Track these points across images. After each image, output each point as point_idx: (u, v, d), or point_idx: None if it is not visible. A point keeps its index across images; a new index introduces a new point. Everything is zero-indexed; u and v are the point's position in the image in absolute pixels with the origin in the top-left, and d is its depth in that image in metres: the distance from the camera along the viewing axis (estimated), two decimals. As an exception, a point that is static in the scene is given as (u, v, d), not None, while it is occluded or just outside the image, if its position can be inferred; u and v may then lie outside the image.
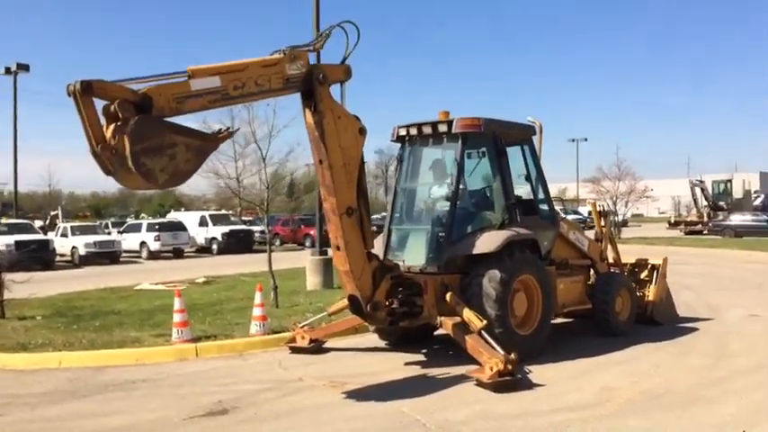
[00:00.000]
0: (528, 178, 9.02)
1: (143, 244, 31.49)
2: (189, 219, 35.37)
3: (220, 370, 8.30)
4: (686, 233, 41.75)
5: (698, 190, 45.08)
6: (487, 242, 8.04)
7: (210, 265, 25.26)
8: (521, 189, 9.01)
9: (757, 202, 47.33)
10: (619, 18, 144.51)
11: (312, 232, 36.67)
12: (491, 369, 6.92)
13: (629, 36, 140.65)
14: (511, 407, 6.41)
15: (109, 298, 15.58)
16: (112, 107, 5.52)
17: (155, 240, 31.00)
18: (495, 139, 8.55)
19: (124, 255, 30.84)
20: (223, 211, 39.70)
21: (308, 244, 37.61)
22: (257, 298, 10.04)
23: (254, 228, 37.40)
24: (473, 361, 7.47)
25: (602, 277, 9.91)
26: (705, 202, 45.40)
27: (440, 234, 8.38)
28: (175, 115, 5.92)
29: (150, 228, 31.91)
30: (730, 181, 47.47)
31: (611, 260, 10.49)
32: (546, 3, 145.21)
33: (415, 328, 8.66)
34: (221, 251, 33.33)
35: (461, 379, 7.36)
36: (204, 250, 34.35)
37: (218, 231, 34.03)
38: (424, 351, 8.97)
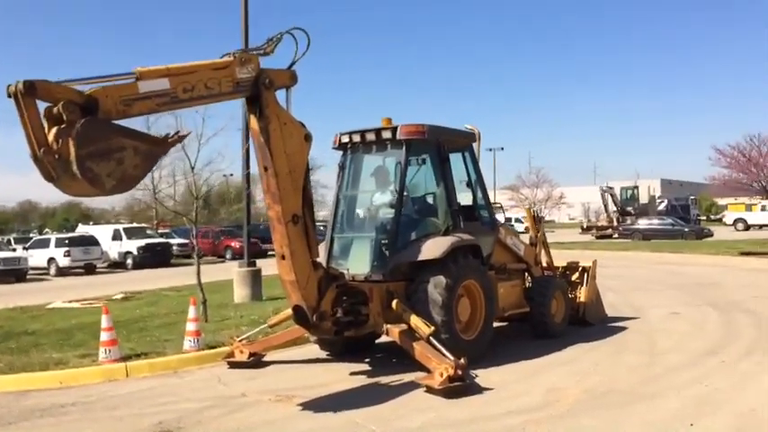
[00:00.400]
0: (469, 184, 9.10)
1: (51, 260, 29.89)
2: (101, 232, 33.79)
3: (156, 389, 7.87)
4: (597, 237, 43.55)
5: (608, 196, 47.25)
6: (433, 248, 8.03)
7: (127, 281, 24.24)
8: (460, 195, 9.07)
9: (661, 207, 50.03)
10: (531, 29, 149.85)
11: (233, 244, 35.90)
12: (441, 375, 6.88)
13: (541, 46, 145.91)
14: (464, 412, 6.38)
15: (19, 318, 14.65)
16: (56, 109, 5.16)
17: (64, 256, 29.47)
18: (439, 145, 8.58)
19: (31, 272, 29.16)
20: (136, 224, 38.21)
21: (228, 256, 36.80)
22: (191, 312, 9.64)
23: (172, 240, 36.22)
24: (421, 368, 7.44)
25: (539, 281, 10.12)
26: (614, 208, 47.64)
27: (384, 241, 8.30)
28: (122, 118, 5.59)
29: (59, 243, 30.29)
30: (637, 187, 50.05)
31: (544, 264, 10.73)
32: (459, 13, 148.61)
33: (358, 337, 8.53)
34: (137, 266, 32.07)
35: (411, 386, 7.28)
36: (118, 265, 32.90)
37: (133, 245, 32.68)
38: (367, 360, 8.85)
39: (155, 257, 32.59)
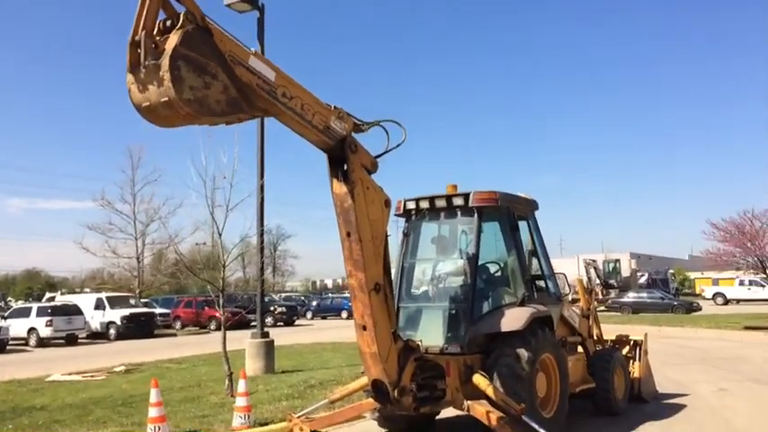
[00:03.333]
0: (534, 253, 8.89)
1: (32, 330, 28.58)
2: (83, 301, 32.61)
3: (220, 471, 7.29)
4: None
5: (591, 269, 47.60)
6: (513, 320, 7.72)
7: (114, 353, 23.22)
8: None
9: (642, 281, 50.63)
10: (504, 99, 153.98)
11: (218, 315, 34.90)
12: (540, 457, 6.48)
13: (508, 118, 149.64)
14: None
15: (19, 392, 13.81)
16: (170, 22, 4.96)
17: (46, 326, 28.24)
18: (510, 213, 8.42)
19: (10, 343, 27.80)
20: (119, 293, 37.05)
21: (213, 327, 35.70)
22: (240, 386, 9.07)
23: (155, 310, 35.13)
24: None
25: (600, 355, 9.82)
26: (597, 281, 47.94)
27: (459, 311, 7.98)
28: None
29: (42, 312, 29.07)
30: (618, 261, 50.62)
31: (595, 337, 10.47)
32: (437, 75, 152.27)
33: (420, 413, 8.07)
34: (120, 336, 30.86)
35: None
36: (99, 336, 31.62)
37: (116, 315, 31.54)
38: (434, 439, 8.38)
39: (139, 328, 31.50)
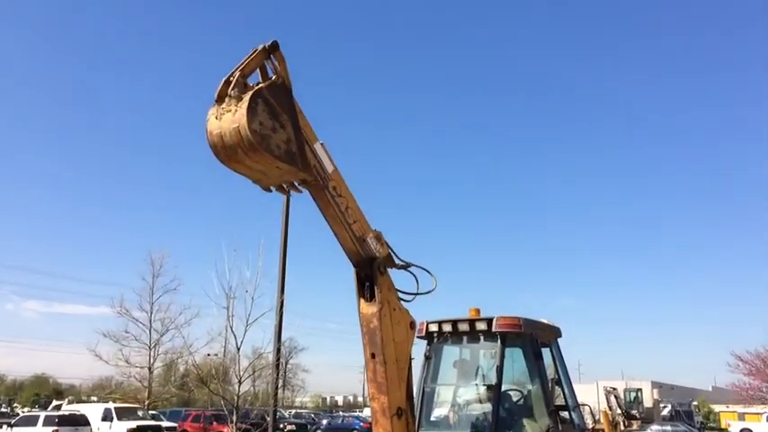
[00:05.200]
0: (558, 382, 8.74)
1: (38, 440, 27.77)
2: (91, 411, 31.86)
3: None
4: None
5: (612, 398, 45.91)
6: (537, 453, 7.50)
7: (119, 467, 22.42)
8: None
9: (665, 412, 48.58)
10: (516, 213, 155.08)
11: (226, 430, 33.81)
12: None
13: (520, 241, 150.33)
14: None
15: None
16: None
17: (52, 437, 27.45)
18: (533, 339, 8.37)
19: (13, 452, 27.05)
20: (128, 404, 36.24)
21: (220, 443, 34.54)
22: None
23: (163, 423, 34.17)
24: None
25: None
26: (618, 410, 46.10)
27: (481, 440, 7.77)
28: None
29: (48, 421, 28.31)
30: (640, 390, 48.89)
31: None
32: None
33: None
34: (126, 451, 29.87)
35: None
36: (104, 448, 30.66)
37: (123, 427, 30.60)
38: None
39: (145, 441, 30.50)
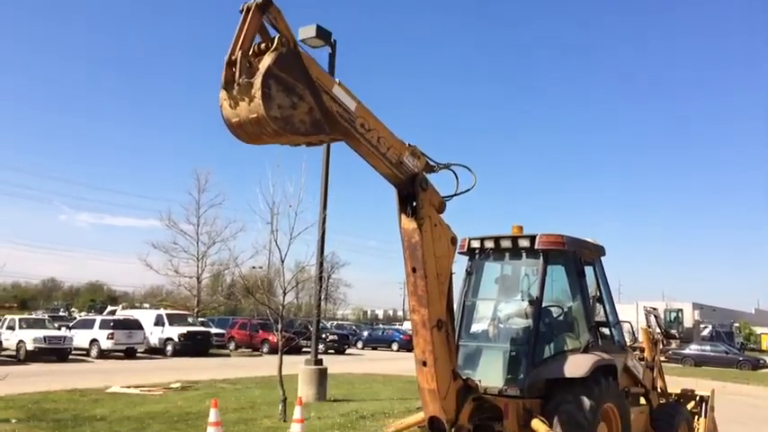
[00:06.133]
0: (600, 300, 8.73)
1: (94, 341, 29.45)
2: (144, 317, 33.51)
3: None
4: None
5: (652, 318, 46.00)
6: (576, 366, 7.58)
7: (171, 369, 23.74)
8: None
9: (705, 333, 48.66)
10: (547, 144, 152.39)
11: (271, 338, 35.21)
12: None
13: (562, 160, 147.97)
14: None
15: (80, 401, 14.23)
16: (263, 45, 5.24)
17: (108, 338, 29.07)
18: (576, 257, 8.31)
19: (72, 352, 28.72)
20: (178, 311, 37.89)
21: (265, 350, 36.07)
22: (296, 412, 9.16)
23: (212, 330, 35.77)
24: None
25: (665, 408, 9.52)
26: (658, 330, 46.28)
27: (520, 354, 7.89)
28: None
29: (104, 324, 29.98)
30: (681, 311, 48.83)
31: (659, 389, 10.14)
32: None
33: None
34: (176, 353, 31.49)
35: None
36: (156, 351, 32.34)
37: (174, 332, 32.25)
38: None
39: (195, 346, 32.09)
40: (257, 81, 5.12)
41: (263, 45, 5.35)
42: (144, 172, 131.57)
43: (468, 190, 7.02)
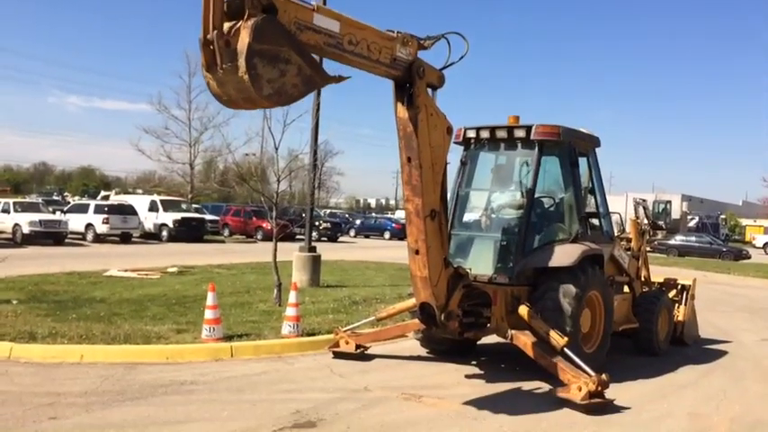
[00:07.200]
0: (592, 191, 8.81)
1: (89, 226, 29.71)
2: (138, 202, 33.65)
3: (271, 374, 7.68)
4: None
5: (641, 209, 46.59)
6: (564, 255, 7.77)
7: (166, 254, 24.10)
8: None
9: (692, 224, 49.58)
10: (553, 37, 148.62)
11: (265, 225, 35.65)
12: (580, 389, 6.64)
13: (561, 59, 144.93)
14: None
15: (79, 283, 14.53)
16: (236, 3, 4.97)
17: (103, 223, 29.31)
18: (571, 148, 8.30)
19: (68, 236, 29.08)
20: (172, 197, 38.08)
21: (259, 237, 36.63)
22: (291, 297, 9.41)
23: (206, 216, 36.08)
24: (538, 376, 7.40)
25: (647, 296, 9.85)
26: (646, 221, 47.01)
27: (510, 243, 8.05)
28: None
29: (98, 209, 30.14)
30: (669, 202, 49.47)
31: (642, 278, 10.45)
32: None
33: (463, 338, 8.29)
34: (171, 239, 31.91)
35: (543, 397, 7.08)
36: (151, 236, 32.77)
37: (169, 218, 32.52)
38: (474, 363, 8.63)
39: (189, 232, 32.46)
40: (242, 64, 4.91)
41: (234, 4, 5.00)
42: (134, 55, 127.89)
43: (462, 57, 6.94)
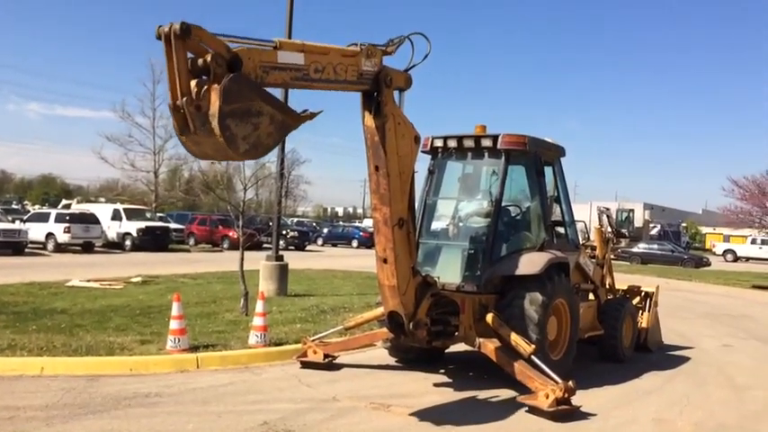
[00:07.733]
0: (557, 200, 8.92)
1: (50, 235, 29.06)
2: (101, 211, 33.04)
3: (238, 385, 7.57)
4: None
5: (604, 217, 47.34)
6: (531, 264, 7.83)
7: (129, 263, 23.69)
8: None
9: (653, 232, 50.55)
10: (524, 45, 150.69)
11: (231, 234, 35.29)
12: (546, 397, 6.69)
13: (526, 58, 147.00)
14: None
15: (39, 294, 14.18)
16: (201, 61, 4.92)
17: (64, 232, 28.71)
18: (537, 157, 8.40)
19: (28, 246, 28.38)
20: (136, 206, 37.45)
21: (225, 246, 36.27)
22: (259, 306, 9.32)
23: (170, 225, 35.59)
24: (505, 384, 7.42)
25: (612, 303, 9.99)
26: (609, 229, 47.75)
27: (478, 252, 8.10)
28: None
29: (60, 218, 29.50)
30: (632, 210, 50.40)
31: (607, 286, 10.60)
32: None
33: (432, 346, 8.30)
34: (135, 248, 31.40)
35: (509, 405, 7.09)
36: (114, 246, 32.18)
37: (132, 227, 32.00)
38: (442, 371, 8.64)
39: (154, 241, 31.98)
40: (215, 127, 4.89)
41: (199, 61, 4.98)
42: (96, 62, 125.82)
43: (425, 57, 6.95)
